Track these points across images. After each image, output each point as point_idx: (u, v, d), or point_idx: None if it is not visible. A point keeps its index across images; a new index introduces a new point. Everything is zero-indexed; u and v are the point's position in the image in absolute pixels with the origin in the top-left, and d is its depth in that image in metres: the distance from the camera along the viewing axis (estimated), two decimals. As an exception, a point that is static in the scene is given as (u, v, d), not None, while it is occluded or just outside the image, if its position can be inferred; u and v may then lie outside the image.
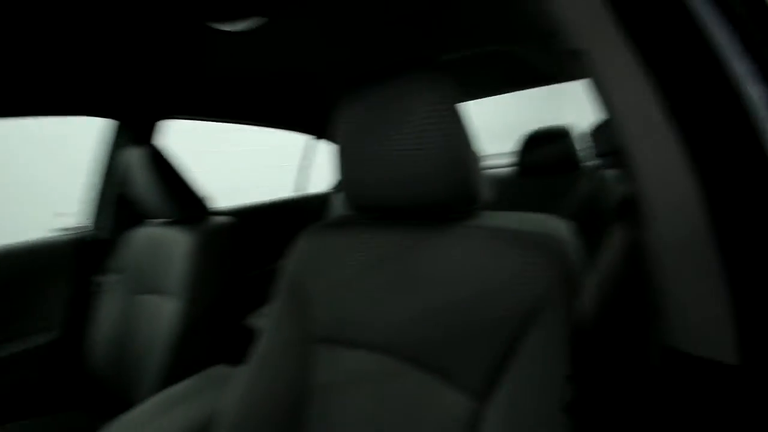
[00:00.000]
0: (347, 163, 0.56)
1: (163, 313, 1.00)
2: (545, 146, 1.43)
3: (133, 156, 1.03)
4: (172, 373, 0.90)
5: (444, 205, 0.51)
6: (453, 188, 0.49)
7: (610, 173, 1.32)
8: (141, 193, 1.07)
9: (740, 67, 0.23)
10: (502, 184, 1.55)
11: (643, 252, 0.27)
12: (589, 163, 1.43)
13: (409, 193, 0.51)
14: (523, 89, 1.73)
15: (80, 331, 1.23)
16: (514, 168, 1.56)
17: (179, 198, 1.02)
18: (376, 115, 0.51)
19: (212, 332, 1.00)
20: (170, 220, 1.08)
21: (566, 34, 0.30)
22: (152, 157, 1.00)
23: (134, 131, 1.27)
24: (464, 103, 1.82)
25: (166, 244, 1.03)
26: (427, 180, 0.49)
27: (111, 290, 1.13)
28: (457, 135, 0.47)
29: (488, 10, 0.94)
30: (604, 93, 0.28)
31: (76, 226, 1.33)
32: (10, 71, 0.91)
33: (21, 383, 1.12)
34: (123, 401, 1.04)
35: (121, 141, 1.28)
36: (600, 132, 1.69)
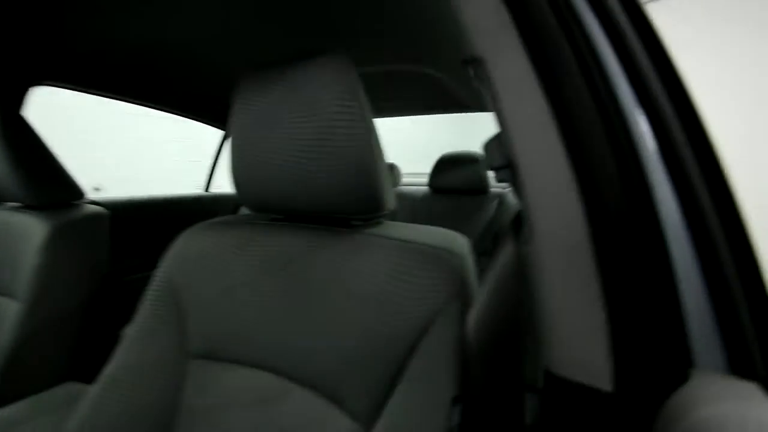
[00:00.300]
0: (240, 156, 0.51)
1: (6, 317, 0.82)
2: (456, 169, 1.53)
3: None
4: (8, 389, 0.73)
5: (346, 210, 0.48)
6: (357, 193, 0.46)
7: (516, 200, 1.43)
8: None
9: (626, 93, 0.24)
10: (417, 201, 1.61)
11: (527, 267, 0.27)
12: (498, 189, 1.54)
13: (308, 193, 0.47)
14: (439, 113, 1.79)
15: None
16: (428, 187, 1.63)
17: (37, 179, 0.85)
18: (276, 106, 0.47)
19: (66, 343, 0.84)
20: (24, 204, 0.90)
21: (467, 40, 0.29)
22: (7, 127, 0.83)
23: None
24: (378, 119, 1.83)
25: (13, 234, 0.85)
26: (329, 181, 0.45)
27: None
28: (366, 137, 0.44)
29: (408, 31, 0.95)
30: (497, 101, 0.27)
31: None
32: None
33: None
34: None
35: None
36: (493, 144, 1.82)
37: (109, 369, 0.52)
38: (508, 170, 0.29)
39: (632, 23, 0.25)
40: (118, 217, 1.23)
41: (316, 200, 0.48)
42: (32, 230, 0.82)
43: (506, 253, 0.32)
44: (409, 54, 1.11)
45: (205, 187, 2.02)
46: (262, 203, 0.53)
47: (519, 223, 0.35)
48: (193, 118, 1.66)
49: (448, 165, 1.56)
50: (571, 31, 0.24)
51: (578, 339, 0.22)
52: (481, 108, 1.63)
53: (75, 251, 0.84)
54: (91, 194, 1.06)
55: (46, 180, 0.86)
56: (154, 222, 1.56)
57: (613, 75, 0.23)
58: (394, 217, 0.56)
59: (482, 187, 1.51)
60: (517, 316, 0.30)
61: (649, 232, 0.21)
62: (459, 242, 0.47)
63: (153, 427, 0.50)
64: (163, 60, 1.17)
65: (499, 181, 0.34)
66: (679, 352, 0.20)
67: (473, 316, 0.35)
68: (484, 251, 1.35)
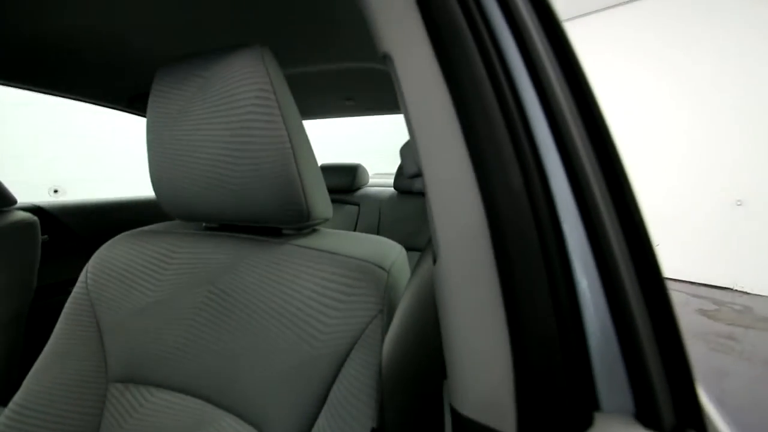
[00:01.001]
0: (157, 157, 0.46)
1: None
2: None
3: None
4: None
5: (275, 218, 0.44)
6: (281, 200, 0.42)
7: None
8: None
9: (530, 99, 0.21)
10: (383, 202, 1.57)
11: (435, 288, 0.24)
12: None
13: (232, 200, 0.43)
14: (379, 114, 1.67)
15: None
16: (393, 188, 1.60)
17: None
18: (192, 101, 0.43)
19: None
20: None
21: (377, 34, 0.26)
22: None
23: None
24: (344, 116, 1.78)
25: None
26: (251, 187, 0.41)
27: None
28: (288, 138, 0.40)
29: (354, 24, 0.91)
30: (404, 101, 0.24)
31: None
32: None
33: None
34: None
35: None
36: (408, 150, 1.78)
37: (17, 397, 0.47)
38: (422, 179, 0.26)
39: (539, 19, 0.22)
40: (55, 224, 1.14)
41: (241, 208, 0.44)
42: None
43: (423, 269, 0.30)
44: (362, 52, 1.07)
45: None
46: (185, 211, 0.48)
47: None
48: (130, 112, 1.56)
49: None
50: (476, 24, 0.22)
51: (482, 375, 0.20)
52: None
53: (4, 260, 0.77)
54: (49, 196, 0.97)
55: None
56: (100, 227, 1.46)
57: (518, 74, 0.21)
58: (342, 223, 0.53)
59: None
60: (436, 338, 0.28)
61: (555, 252, 0.19)
62: (392, 253, 0.44)
63: None
64: (87, 50, 1.09)
65: (416, 191, 0.31)
66: (584, 393, 0.18)
67: (388, 338, 0.32)
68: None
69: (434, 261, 0.27)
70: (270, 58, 0.42)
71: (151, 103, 0.46)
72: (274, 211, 0.43)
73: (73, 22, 0.87)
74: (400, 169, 1.54)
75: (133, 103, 1.43)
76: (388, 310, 0.38)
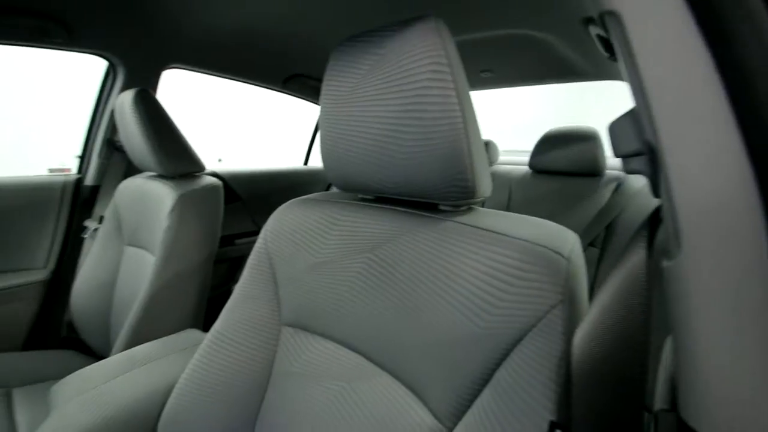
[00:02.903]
0: (329, 132, 0.50)
1: (144, 268, 0.98)
2: (564, 147, 1.34)
3: (124, 102, 0.98)
4: (144, 330, 0.89)
5: (434, 194, 0.44)
6: (446, 176, 0.41)
7: (639, 184, 1.23)
8: (128, 141, 1.03)
9: None
10: (512, 182, 1.47)
11: (666, 287, 0.21)
12: (616, 172, 1.34)
13: (394, 174, 0.45)
14: (547, 83, 1.60)
15: (70, 273, 1.24)
16: (529, 167, 1.48)
17: (167, 152, 0.98)
18: (364, 79, 0.45)
19: (190, 295, 0.98)
20: (157, 174, 1.04)
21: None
22: (143, 105, 0.96)
23: (132, 75, 1.22)
24: (478, 90, 1.70)
25: (151, 199, 1.00)
26: (416, 161, 0.42)
27: (100, 238, 1.12)
28: (461, 113, 0.40)
29: None
30: (636, 67, 0.21)
31: (64, 168, 1.33)
32: None
33: (15, 317, 1.15)
34: (100, 347, 1.06)
35: (116, 85, 1.24)
36: (623, 125, 1.56)
37: (217, 325, 0.58)
38: (646, 159, 0.22)
39: None
40: (229, 187, 1.38)
41: (402, 182, 0.45)
42: (164, 196, 0.95)
43: (633, 260, 0.26)
44: (515, 16, 0.99)
45: (305, 161, 2.15)
46: (349, 183, 0.52)
47: (656, 225, 0.28)
48: (292, 95, 1.75)
49: (554, 142, 1.38)
50: None
51: (736, 393, 0.16)
52: (598, 76, 1.41)
53: (197, 216, 0.96)
54: (217, 164, 1.20)
55: (175, 154, 0.99)
56: (258, 192, 1.73)
57: None
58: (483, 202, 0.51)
59: (596, 169, 1.30)
60: (641, 340, 0.24)
61: None
62: (569, 240, 0.40)
63: (251, 383, 0.54)
64: (264, 39, 1.24)
65: (629, 172, 0.27)
66: None
67: (582, 331, 0.29)
68: (593, 242, 1.20)
69: (657, 250, 0.24)
70: (445, 29, 0.40)
71: (326, 82, 0.50)
72: (438, 186, 0.43)
73: (252, 10, 0.99)
74: (540, 146, 1.41)
75: (287, 84, 1.61)
76: (570, 300, 0.35)
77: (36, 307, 1.20)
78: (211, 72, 1.39)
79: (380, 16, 1.00)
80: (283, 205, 0.61)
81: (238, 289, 0.60)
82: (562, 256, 0.37)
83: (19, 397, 0.91)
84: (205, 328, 0.87)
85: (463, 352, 0.38)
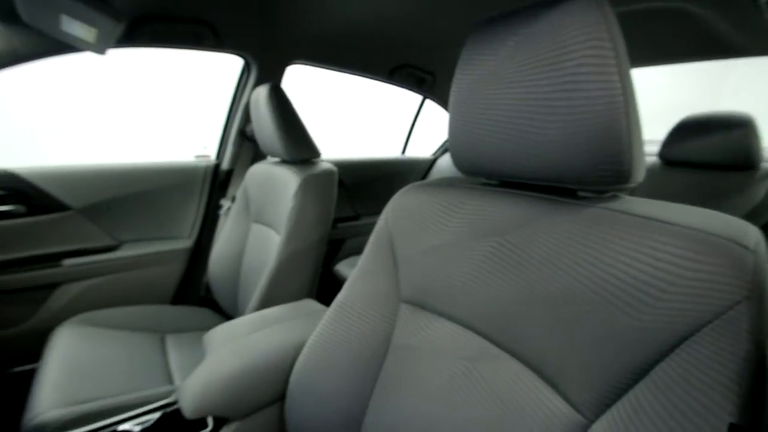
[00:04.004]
0: (460, 116, 0.51)
1: (269, 243, 1.11)
2: (706, 136, 1.16)
3: (259, 95, 1.11)
4: (270, 296, 1.01)
5: (575, 179, 0.42)
6: (596, 159, 0.39)
7: None
8: (260, 130, 1.17)
9: None
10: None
11: None
12: None
13: (533, 157, 0.44)
14: (691, 61, 1.39)
15: (208, 243, 1.46)
16: (659, 158, 1.31)
17: (293, 140, 1.08)
18: (506, 61, 0.44)
19: (307, 269, 1.08)
20: (283, 160, 1.16)
21: None
22: (275, 98, 1.07)
23: (263, 71, 1.38)
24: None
25: (277, 182, 1.12)
26: (562, 143, 0.40)
27: (232, 215, 1.30)
28: (621, 91, 0.37)
29: None
30: None
31: (207, 155, 1.56)
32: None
33: (166, 276, 1.41)
34: (229, 307, 1.23)
35: (249, 81, 1.41)
36: None
37: (340, 295, 0.64)
38: None
39: None
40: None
41: (542, 165, 0.44)
42: (289, 180, 1.06)
43: None
44: None
45: (402, 151, 2.21)
46: (477, 167, 0.52)
47: None
48: (396, 85, 1.80)
49: (693, 129, 1.20)
50: None
51: None
52: (758, 51, 1.19)
53: (316, 198, 1.05)
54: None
55: (298, 141, 1.09)
56: (359, 179, 1.83)
57: None
58: None
59: (748, 161, 1.11)
60: None
61: None
62: (751, 232, 0.36)
63: (371, 351, 0.59)
64: (379, 32, 1.30)
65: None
66: None
67: None
68: None
69: None
70: (606, 2, 0.38)
71: (461, 65, 0.50)
72: (584, 170, 0.41)
73: (366, 8, 1.05)
74: (674, 134, 1.24)
75: (393, 74, 1.66)
76: (758, 297, 0.31)
77: (182, 270, 1.44)
78: (326, 66, 1.51)
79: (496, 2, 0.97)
80: (405, 188, 0.64)
81: (360, 264, 0.64)
82: (747, 249, 0.33)
83: (170, 341, 1.11)
84: (318, 300, 0.96)
85: (614, 345, 0.37)
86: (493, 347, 0.48)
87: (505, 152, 0.46)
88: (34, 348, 1.09)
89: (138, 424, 0.63)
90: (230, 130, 1.49)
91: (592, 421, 0.38)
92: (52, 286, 1.23)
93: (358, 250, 1.88)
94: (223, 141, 1.52)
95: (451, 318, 0.53)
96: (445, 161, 2.09)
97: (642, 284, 0.36)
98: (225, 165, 1.50)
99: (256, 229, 1.22)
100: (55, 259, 1.22)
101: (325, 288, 1.16)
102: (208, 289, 1.40)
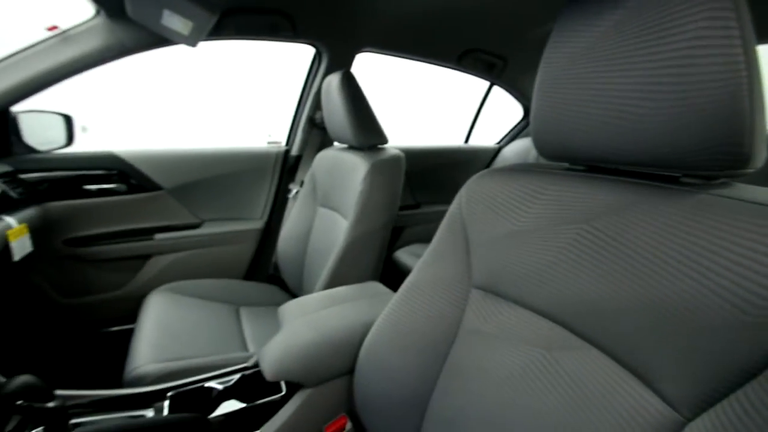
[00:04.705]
0: (546, 99, 0.48)
1: (335, 227, 1.15)
2: None
3: (331, 82, 1.14)
4: (337, 276, 1.05)
5: (682, 163, 0.38)
6: (715, 140, 0.35)
7: None
8: (330, 116, 1.20)
9: None
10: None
11: None
12: None
13: (632, 140, 0.41)
14: None
15: (277, 225, 1.55)
16: None
17: (363, 125, 1.10)
18: (604, 39, 0.41)
19: (373, 252, 1.11)
20: (352, 146, 1.19)
21: None
22: (347, 84, 1.10)
23: (333, 60, 1.41)
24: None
25: (345, 167, 1.15)
26: (666, 125, 0.37)
27: (299, 199, 1.36)
28: (746, 67, 0.33)
29: None
30: None
31: (277, 141, 1.65)
32: None
33: (240, 253, 1.52)
34: (295, 286, 1.30)
35: (320, 69, 1.45)
36: None
37: (410, 277, 0.64)
38: None
39: None
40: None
41: (642, 149, 0.40)
42: (358, 165, 1.09)
43: None
44: None
45: (465, 140, 2.16)
46: (563, 151, 0.49)
47: None
48: (464, 71, 1.76)
49: None
50: None
51: None
52: None
53: (384, 183, 1.07)
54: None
55: (368, 128, 1.11)
56: (420, 167, 1.82)
57: None
58: None
59: None
60: None
61: None
62: None
63: (440, 333, 0.59)
64: (450, 17, 1.27)
65: None
66: None
67: None
68: None
69: None
70: None
71: (550, 45, 0.48)
72: (694, 152, 0.37)
73: None
74: None
75: (461, 60, 1.62)
76: None
77: (253, 249, 1.54)
78: (395, 53, 1.51)
79: None
80: (480, 173, 0.62)
81: (431, 246, 0.64)
82: None
83: (243, 313, 1.20)
84: (382, 282, 0.97)
85: (721, 340, 0.33)
86: (573, 337, 0.46)
87: (598, 135, 0.43)
88: (130, 311, 1.24)
89: (221, 383, 0.69)
90: (300, 118, 1.56)
91: (689, 419, 0.35)
92: (146, 257, 1.39)
93: (417, 239, 1.88)
94: (292, 128, 1.59)
95: (526, 305, 0.51)
96: (511, 150, 2.01)
97: (761, 277, 0.32)
98: (294, 151, 1.57)
99: (323, 212, 1.26)
100: (148, 233, 1.38)
101: (384, 274, 1.18)
102: (276, 268, 1.48)
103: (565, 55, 0.46)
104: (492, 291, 0.56)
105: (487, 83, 1.92)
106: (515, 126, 2.14)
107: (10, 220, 1.00)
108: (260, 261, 1.58)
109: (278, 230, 1.49)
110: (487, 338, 0.54)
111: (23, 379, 0.51)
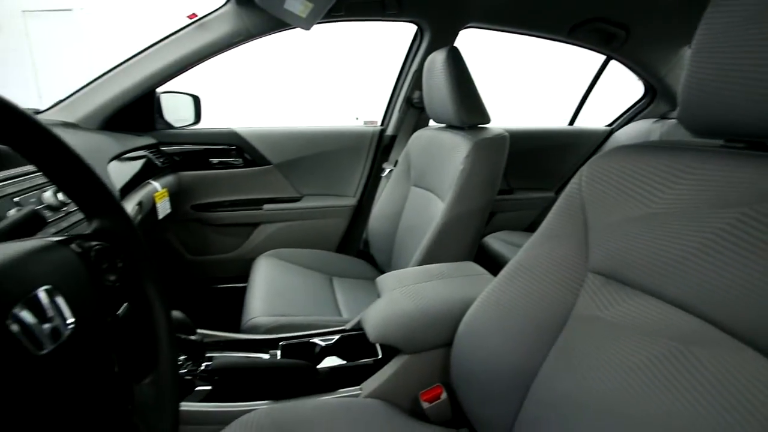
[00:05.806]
0: (702, 68, 0.42)
1: (429, 206, 1.15)
2: None
3: (435, 59, 1.12)
4: (433, 254, 1.05)
5: None
6: None
7: None
8: (431, 94, 1.18)
9: None
10: None
11: None
12: None
13: None
14: None
15: (369, 202, 1.61)
16: None
17: (467, 104, 1.07)
18: None
19: (469, 232, 1.09)
20: (452, 125, 1.17)
21: None
22: (453, 61, 1.07)
23: (436, 37, 1.39)
24: None
25: (443, 147, 1.14)
26: None
27: (393, 178, 1.38)
28: None
29: None
30: None
31: (374, 122, 1.68)
32: None
33: (334, 227, 1.62)
34: (383, 262, 1.34)
35: (421, 47, 1.44)
36: None
37: (518, 256, 0.62)
38: None
39: None
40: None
41: None
42: (459, 144, 1.06)
43: None
44: None
45: (570, 121, 1.98)
46: (720, 125, 0.42)
47: None
48: (574, 44, 1.60)
49: None
50: None
51: None
52: None
53: (486, 163, 1.04)
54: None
55: (472, 106, 1.08)
56: (518, 150, 1.72)
57: None
58: None
59: None
60: None
61: None
62: None
63: (547, 319, 0.56)
64: None
65: None
66: None
67: None
68: None
69: None
70: None
71: (713, 5, 0.41)
72: None
73: None
74: None
75: (573, 32, 1.48)
76: None
77: (346, 224, 1.62)
78: (500, 27, 1.43)
79: None
80: (608, 150, 0.57)
81: (541, 228, 0.61)
82: None
83: (336, 282, 1.27)
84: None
85: None
86: (716, 331, 0.40)
87: (766, 105, 0.37)
88: (242, 271, 1.40)
89: (323, 340, 0.75)
90: (397, 98, 1.57)
91: None
92: (255, 224, 1.55)
93: (507, 226, 1.80)
94: (389, 108, 1.61)
95: (658, 295, 0.46)
96: (626, 134, 1.79)
97: None
98: (390, 131, 1.60)
99: (416, 192, 1.27)
100: (258, 203, 1.53)
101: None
102: (366, 244, 1.54)
103: (732, 16, 0.39)
104: (615, 277, 0.51)
105: (598, 60, 1.73)
106: (632, 105, 1.89)
107: (156, 184, 1.19)
108: (352, 236, 1.65)
109: (370, 208, 1.54)
110: (608, 327, 0.50)
111: (176, 314, 0.60)
